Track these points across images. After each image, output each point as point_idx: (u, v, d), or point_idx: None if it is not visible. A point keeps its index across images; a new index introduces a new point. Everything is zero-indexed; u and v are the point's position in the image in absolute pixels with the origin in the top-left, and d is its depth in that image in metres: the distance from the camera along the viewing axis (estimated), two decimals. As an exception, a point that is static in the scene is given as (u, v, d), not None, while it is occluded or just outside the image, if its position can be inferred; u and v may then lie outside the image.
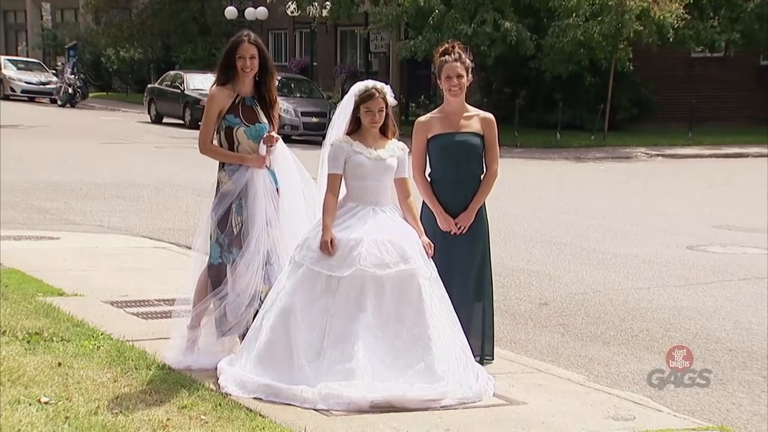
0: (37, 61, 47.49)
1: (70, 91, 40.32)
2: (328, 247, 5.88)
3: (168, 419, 5.29)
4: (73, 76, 40.94)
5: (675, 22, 26.57)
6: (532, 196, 17.36)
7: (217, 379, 5.97)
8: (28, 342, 6.59)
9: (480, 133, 6.49)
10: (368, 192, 6.04)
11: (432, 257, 6.08)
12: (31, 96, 42.79)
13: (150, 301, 8.16)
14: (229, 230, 6.36)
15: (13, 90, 42.68)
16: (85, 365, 6.14)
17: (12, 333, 6.75)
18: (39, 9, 53.78)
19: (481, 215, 6.55)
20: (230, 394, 5.74)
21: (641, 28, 26.29)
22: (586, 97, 29.87)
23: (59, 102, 40.58)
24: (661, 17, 26.31)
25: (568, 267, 10.95)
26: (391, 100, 6.12)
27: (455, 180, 6.47)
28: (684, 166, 24.39)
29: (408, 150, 6.29)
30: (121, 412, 5.36)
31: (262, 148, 6.38)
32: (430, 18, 27.51)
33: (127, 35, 43.81)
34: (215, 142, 6.47)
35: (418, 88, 33.51)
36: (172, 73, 35.54)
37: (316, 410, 5.57)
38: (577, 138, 28.31)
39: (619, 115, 30.32)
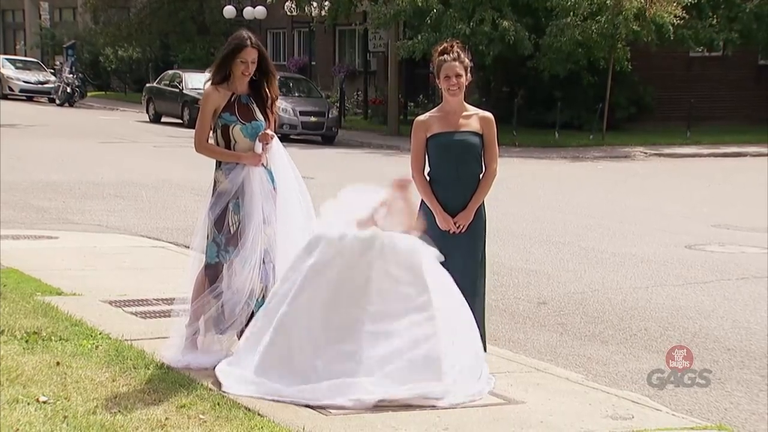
0: (35, 60, 47.48)
1: (69, 90, 40.31)
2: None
3: (166, 418, 5.29)
4: (71, 75, 40.93)
5: (673, 21, 26.55)
6: (531, 195, 17.37)
7: (217, 378, 5.97)
8: (27, 341, 6.59)
9: (479, 132, 6.49)
10: None
11: None
12: (29, 95, 42.79)
13: (148, 301, 8.16)
14: (226, 229, 6.36)
15: (11, 89, 42.67)
16: (83, 364, 6.13)
17: (10, 332, 6.75)
18: (37, 8, 53.77)
19: (480, 214, 6.55)
20: (230, 394, 5.74)
21: (638, 28, 26.29)
22: (584, 96, 29.88)
23: (57, 101, 40.56)
24: (659, 17, 26.31)
25: (566, 266, 10.95)
26: None
27: (454, 179, 6.47)
28: (682, 166, 24.40)
29: None
30: (119, 411, 5.36)
31: (258, 146, 6.37)
32: (429, 17, 27.51)
33: (125, 34, 43.81)
34: (211, 141, 6.47)
35: (417, 88, 33.51)
36: (170, 72, 35.55)
37: (314, 409, 5.57)
38: (576, 137, 28.31)
39: (617, 115, 30.33)
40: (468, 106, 6.58)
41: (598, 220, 14.38)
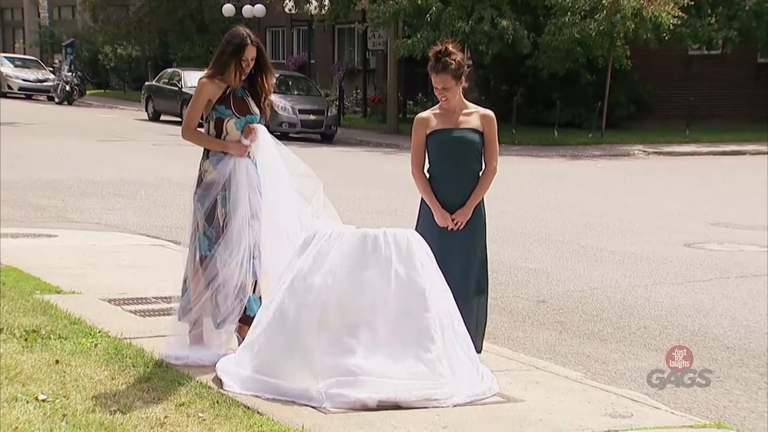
0: (34, 58, 47.47)
1: (68, 88, 40.30)
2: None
3: (165, 417, 5.29)
4: (70, 73, 40.92)
5: (670, 20, 26.53)
6: (530, 193, 17.37)
7: (217, 376, 5.96)
8: (26, 339, 6.58)
9: (479, 129, 6.48)
10: None
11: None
12: (28, 93, 42.78)
13: (147, 299, 8.16)
14: (216, 222, 6.38)
15: (10, 87, 42.67)
16: (82, 363, 6.13)
17: (9, 331, 6.74)
18: (36, 6, 53.74)
19: (479, 211, 6.55)
20: (230, 392, 5.74)
21: (633, 26, 26.27)
22: (583, 95, 29.87)
23: (57, 99, 40.56)
24: (656, 16, 26.29)
25: (565, 264, 10.95)
26: None
27: (453, 176, 6.47)
28: (681, 164, 24.40)
29: None
30: (118, 409, 5.36)
31: (243, 139, 6.41)
32: (428, 15, 27.51)
33: (124, 33, 43.78)
34: (203, 131, 6.50)
35: (416, 86, 33.49)
36: (169, 70, 35.55)
37: (314, 408, 5.56)
38: (575, 136, 28.31)
39: (616, 113, 30.33)
40: (469, 104, 6.57)
41: (597, 219, 14.38)
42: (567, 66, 27.91)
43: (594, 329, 8.30)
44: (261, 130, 6.51)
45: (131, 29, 43.73)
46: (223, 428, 5.18)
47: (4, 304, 7.46)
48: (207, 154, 6.47)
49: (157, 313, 7.63)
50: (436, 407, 5.62)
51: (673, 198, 17.32)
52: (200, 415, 5.35)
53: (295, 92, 30.12)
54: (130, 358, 6.29)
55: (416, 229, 6.33)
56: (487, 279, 6.65)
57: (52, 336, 6.68)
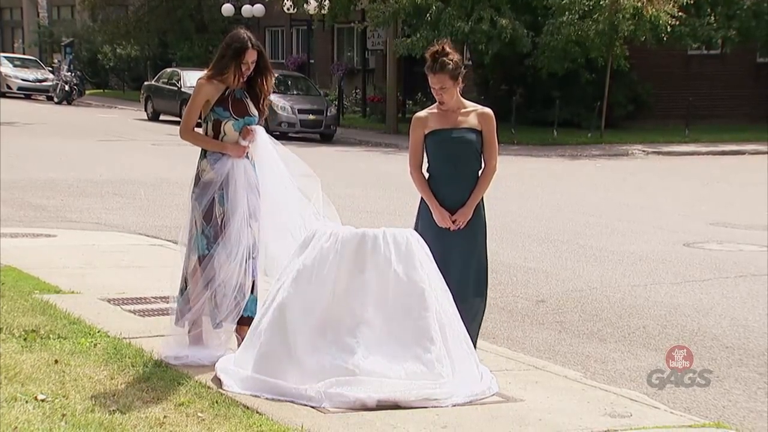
0: (33, 58, 47.45)
1: (67, 88, 40.29)
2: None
3: (165, 416, 5.29)
4: (69, 73, 40.90)
5: (669, 20, 26.53)
6: (529, 193, 17.37)
7: (217, 376, 5.96)
8: (25, 339, 6.58)
9: (478, 128, 6.47)
10: None
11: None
12: (27, 93, 42.77)
13: (147, 299, 8.16)
14: (214, 221, 6.39)
15: (9, 87, 42.65)
16: (81, 363, 6.13)
17: (9, 330, 6.74)
18: (35, 6, 53.71)
19: (479, 211, 6.55)
20: (230, 392, 5.73)
21: (633, 27, 26.27)
22: (583, 94, 29.87)
23: (56, 99, 40.55)
24: (655, 16, 26.28)
25: (564, 264, 10.95)
26: None
27: (453, 176, 6.46)
28: (681, 164, 24.40)
29: None
30: (117, 409, 5.36)
31: (242, 140, 6.41)
32: (427, 15, 27.51)
33: (123, 32, 43.76)
34: (201, 131, 6.50)
35: (415, 86, 33.44)
36: (168, 70, 35.54)
37: (313, 407, 5.56)
38: (574, 135, 28.31)
39: (616, 113, 30.32)
40: (467, 103, 6.56)
41: (597, 218, 14.38)
42: (566, 66, 27.90)
43: (593, 329, 8.30)
44: (259, 131, 6.51)
45: (130, 29, 43.70)
46: (222, 428, 5.18)
47: (4, 304, 7.46)
48: (204, 153, 6.47)
49: (156, 312, 7.63)
50: (435, 407, 5.62)
51: (672, 198, 17.32)
52: (199, 414, 5.35)
53: (295, 92, 30.11)
54: (129, 357, 6.30)
55: (415, 229, 6.33)
56: (487, 279, 6.65)
57: (51, 336, 6.68)
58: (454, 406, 5.67)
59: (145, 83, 36.25)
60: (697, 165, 23.88)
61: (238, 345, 6.29)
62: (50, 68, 44.96)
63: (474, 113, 6.51)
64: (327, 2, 31.37)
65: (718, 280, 10.24)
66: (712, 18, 29.11)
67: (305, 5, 31.91)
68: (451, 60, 6.36)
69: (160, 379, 5.91)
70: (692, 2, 27.42)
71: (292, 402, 5.62)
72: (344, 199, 14.65)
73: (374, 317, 5.82)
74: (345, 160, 23.08)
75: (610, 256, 11.46)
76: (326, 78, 38.80)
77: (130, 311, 7.71)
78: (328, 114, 29.25)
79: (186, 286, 6.48)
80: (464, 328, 6.08)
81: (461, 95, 6.55)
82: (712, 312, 8.91)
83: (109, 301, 8.01)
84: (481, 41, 27.12)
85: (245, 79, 6.46)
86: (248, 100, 6.50)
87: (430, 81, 6.45)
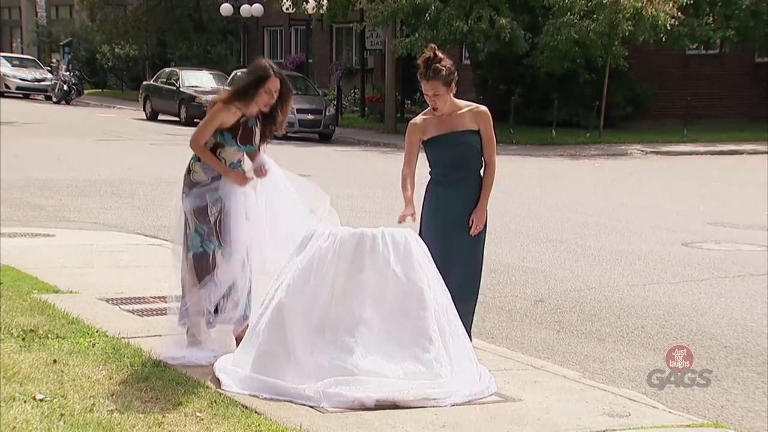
0: (32, 57, 47.43)
1: (65, 88, 40.28)
2: None
3: (163, 416, 5.29)
4: (68, 72, 40.89)
5: (667, 21, 26.53)
6: (528, 193, 17.37)
7: (215, 376, 5.96)
8: (23, 339, 6.58)
9: (475, 129, 6.47)
10: None
11: (432, 256, 6.08)
12: (25, 93, 42.76)
13: (145, 298, 8.16)
14: (207, 220, 6.39)
15: (7, 87, 42.63)
16: (80, 362, 6.13)
17: (7, 330, 6.74)
18: (34, 5, 53.70)
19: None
20: (228, 392, 5.73)
21: (632, 28, 26.28)
22: (581, 94, 29.88)
23: (54, 99, 40.54)
24: (655, 17, 26.28)
25: (563, 264, 10.96)
26: None
27: (457, 180, 6.48)
28: (679, 164, 24.41)
29: None
30: (116, 409, 5.35)
31: (250, 173, 6.38)
32: (427, 14, 27.50)
33: (122, 32, 43.76)
34: (199, 166, 6.47)
35: (414, 85, 33.31)
36: (167, 70, 35.53)
37: (311, 407, 5.56)
38: (573, 135, 28.32)
39: (614, 113, 30.34)
40: (460, 103, 6.54)
41: (595, 218, 14.38)
42: (565, 66, 27.91)
43: (592, 329, 8.30)
44: (271, 168, 6.46)
45: (129, 28, 43.70)
46: (221, 428, 5.18)
47: (2, 304, 7.45)
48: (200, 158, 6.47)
49: (154, 312, 7.63)
50: (433, 407, 5.62)
51: (670, 197, 17.32)
52: (198, 414, 5.35)
53: (293, 92, 30.04)
54: (127, 357, 6.29)
55: (420, 233, 6.33)
56: (481, 277, 6.66)
57: (49, 335, 6.68)
58: (453, 405, 5.67)
59: (144, 83, 36.25)
60: (696, 165, 23.89)
61: (236, 344, 6.29)
62: (49, 68, 44.95)
63: (469, 113, 6.50)
64: (325, 2, 31.36)
65: (717, 280, 10.25)
66: (711, 18, 29.12)
67: (304, 5, 31.92)
68: (444, 66, 6.33)
69: (158, 378, 5.91)
70: (691, 2, 27.42)
71: (290, 402, 5.62)
72: (343, 198, 14.66)
73: (373, 317, 5.82)
74: (343, 160, 23.08)
75: (608, 255, 11.47)
76: (325, 78, 38.80)
77: (128, 311, 7.71)
78: (327, 114, 29.24)
79: (188, 284, 6.48)
80: (463, 327, 6.09)
81: (456, 97, 6.54)
82: (711, 312, 8.91)
83: (107, 300, 8.01)
84: (479, 40, 27.11)
85: (268, 110, 6.41)
86: (257, 128, 6.47)
87: (423, 88, 6.43)
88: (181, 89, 32.32)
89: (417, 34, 27.50)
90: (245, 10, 38.42)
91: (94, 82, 47.73)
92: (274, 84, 6.35)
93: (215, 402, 5.55)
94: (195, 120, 31.87)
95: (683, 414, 5.97)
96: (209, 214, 6.40)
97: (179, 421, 5.23)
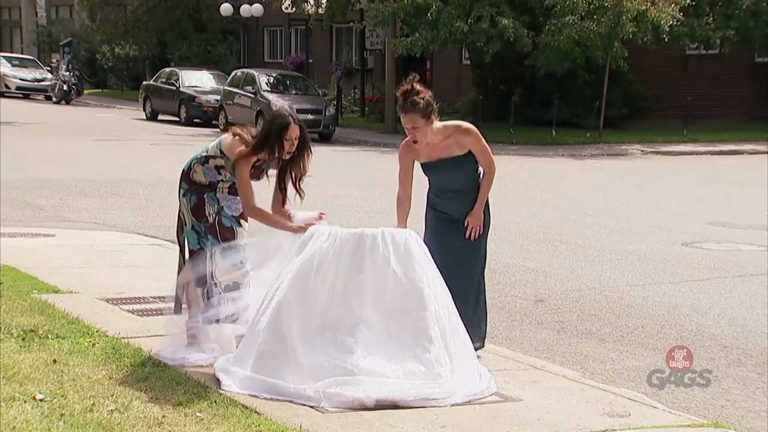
0: (31, 57, 47.43)
1: (65, 88, 40.29)
2: None
3: (163, 416, 5.29)
4: (68, 72, 40.90)
5: (669, 21, 26.53)
6: (528, 193, 17.37)
7: (215, 376, 5.96)
8: (23, 339, 6.58)
9: (466, 149, 6.49)
10: None
11: (433, 255, 6.08)
12: (25, 93, 42.77)
13: (145, 299, 8.16)
14: (204, 219, 6.40)
15: (7, 87, 42.64)
16: (80, 362, 6.13)
17: (7, 330, 6.74)
18: (33, 5, 53.69)
19: (485, 215, 6.62)
20: (228, 392, 5.73)
21: (635, 29, 26.27)
22: (581, 94, 29.87)
23: (54, 99, 40.54)
24: (657, 18, 26.28)
25: (563, 264, 10.96)
26: None
27: (457, 195, 6.59)
28: (679, 164, 24.41)
29: None
30: (116, 409, 5.35)
31: (308, 218, 6.27)
32: (428, 14, 27.49)
33: (122, 32, 43.75)
34: (201, 168, 6.42)
35: (414, 86, 33.45)
36: (167, 70, 35.54)
37: (311, 407, 5.56)
38: (573, 135, 28.32)
39: (614, 113, 30.32)
40: (444, 126, 6.51)
41: (595, 218, 14.38)
42: (565, 66, 27.91)
43: (592, 329, 8.30)
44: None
45: (129, 28, 43.69)
46: (220, 428, 5.18)
47: (2, 304, 7.46)
48: (205, 160, 6.44)
49: (154, 312, 7.63)
50: (434, 407, 5.62)
51: (670, 197, 17.32)
52: (198, 414, 5.35)
53: (293, 92, 30.09)
54: (127, 357, 6.29)
55: (424, 238, 6.34)
56: (484, 278, 6.68)
57: (49, 335, 6.68)
58: (453, 405, 5.67)
59: (144, 83, 36.27)
60: (696, 165, 23.89)
61: (236, 344, 6.29)
62: (49, 68, 44.96)
63: (454, 135, 6.48)
64: (325, 1, 31.35)
65: (717, 280, 10.24)
66: (711, 18, 29.11)
67: (304, 4, 31.92)
68: (422, 99, 6.30)
69: (158, 378, 5.91)
70: (692, 2, 27.42)
71: (290, 402, 5.62)
72: (342, 198, 14.67)
73: (373, 317, 5.82)
74: (343, 160, 23.08)
75: (608, 255, 11.47)
76: (325, 78, 38.79)
77: (128, 311, 7.71)
78: (327, 114, 29.24)
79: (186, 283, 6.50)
80: (464, 327, 6.09)
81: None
82: (711, 312, 8.91)
83: (107, 300, 8.01)
84: (480, 40, 27.10)
85: (289, 158, 6.38)
86: (268, 168, 6.44)
87: (402, 120, 6.43)
88: (181, 89, 32.33)
89: (417, 34, 27.49)
90: (245, 10, 38.42)
91: (94, 82, 47.75)
92: (294, 131, 6.29)
93: (215, 402, 5.55)
94: (195, 120, 32.03)
95: (683, 414, 5.97)
96: (207, 213, 6.40)
97: (179, 421, 5.23)
